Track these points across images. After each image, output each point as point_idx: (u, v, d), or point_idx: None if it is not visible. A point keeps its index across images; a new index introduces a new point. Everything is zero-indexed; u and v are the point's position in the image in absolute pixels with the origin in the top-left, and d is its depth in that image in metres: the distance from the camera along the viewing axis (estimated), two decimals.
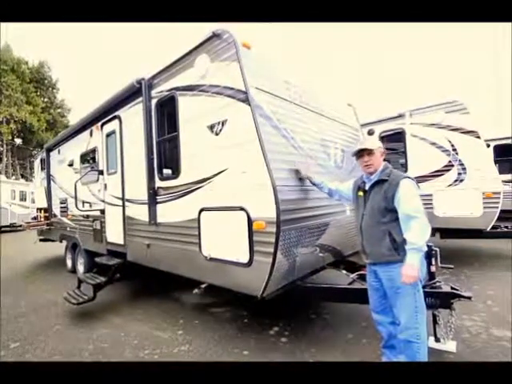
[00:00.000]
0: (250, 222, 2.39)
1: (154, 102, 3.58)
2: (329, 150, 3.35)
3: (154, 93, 3.59)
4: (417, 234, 1.89)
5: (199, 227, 2.87)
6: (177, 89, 3.20)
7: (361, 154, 2.21)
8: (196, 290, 3.01)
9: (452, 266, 2.80)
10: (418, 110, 5.67)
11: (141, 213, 3.74)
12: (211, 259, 2.75)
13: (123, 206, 4.13)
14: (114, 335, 3.24)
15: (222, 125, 2.66)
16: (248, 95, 2.42)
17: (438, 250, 2.69)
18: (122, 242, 4.23)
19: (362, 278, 3.50)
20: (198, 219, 2.87)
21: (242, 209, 2.45)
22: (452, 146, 5.31)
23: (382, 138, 6.39)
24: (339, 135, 3.76)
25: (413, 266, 1.87)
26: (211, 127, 2.77)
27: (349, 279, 3.36)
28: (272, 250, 2.24)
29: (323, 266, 3.34)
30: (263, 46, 2.86)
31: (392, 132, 6.18)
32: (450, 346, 2.59)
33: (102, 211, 4.67)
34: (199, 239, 2.87)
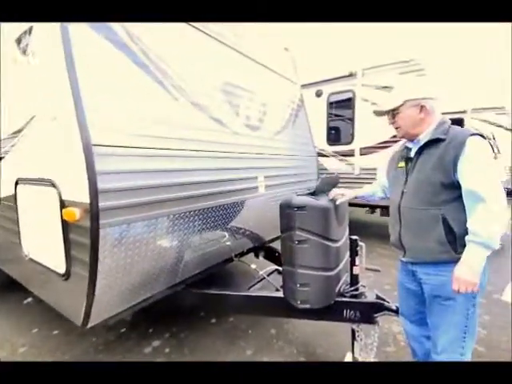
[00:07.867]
0: (62, 206, 1.41)
1: None
2: (237, 101, 2.37)
3: None
4: (483, 222, 1.22)
5: (16, 208, 1.82)
6: None
7: (388, 116, 1.53)
8: (29, 300, 2.03)
9: (379, 269, 2.14)
10: (371, 70, 4.85)
11: None
12: (31, 260, 1.76)
13: None
14: None
15: (29, 35, 1.53)
16: None
17: (363, 245, 2.00)
18: None
19: (280, 272, 2.82)
20: (15, 195, 1.82)
21: (52, 184, 1.44)
22: None
23: (331, 104, 5.61)
24: (261, 83, 2.78)
25: (471, 267, 1.24)
26: (19, 41, 1.62)
27: (258, 277, 2.64)
28: (87, 258, 1.30)
29: (229, 259, 2.55)
30: None
31: (342, 97, 5.37)
32: None
33: None
34: (18, 227, 1.84)
